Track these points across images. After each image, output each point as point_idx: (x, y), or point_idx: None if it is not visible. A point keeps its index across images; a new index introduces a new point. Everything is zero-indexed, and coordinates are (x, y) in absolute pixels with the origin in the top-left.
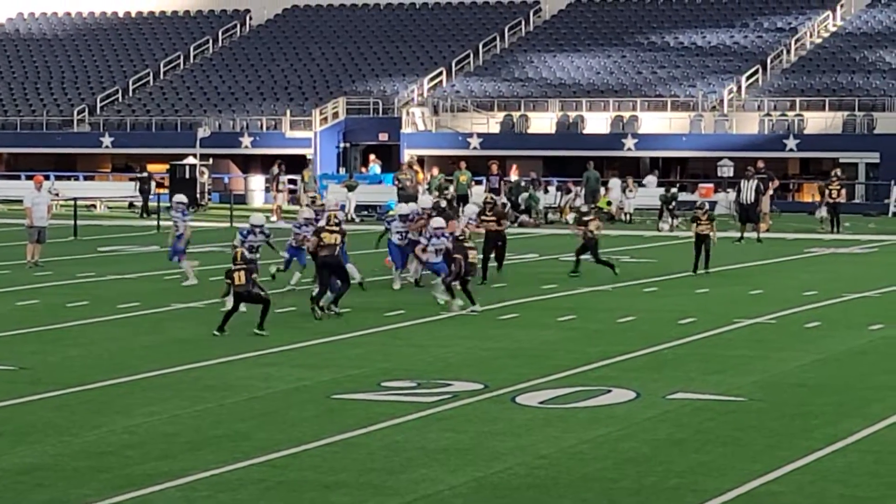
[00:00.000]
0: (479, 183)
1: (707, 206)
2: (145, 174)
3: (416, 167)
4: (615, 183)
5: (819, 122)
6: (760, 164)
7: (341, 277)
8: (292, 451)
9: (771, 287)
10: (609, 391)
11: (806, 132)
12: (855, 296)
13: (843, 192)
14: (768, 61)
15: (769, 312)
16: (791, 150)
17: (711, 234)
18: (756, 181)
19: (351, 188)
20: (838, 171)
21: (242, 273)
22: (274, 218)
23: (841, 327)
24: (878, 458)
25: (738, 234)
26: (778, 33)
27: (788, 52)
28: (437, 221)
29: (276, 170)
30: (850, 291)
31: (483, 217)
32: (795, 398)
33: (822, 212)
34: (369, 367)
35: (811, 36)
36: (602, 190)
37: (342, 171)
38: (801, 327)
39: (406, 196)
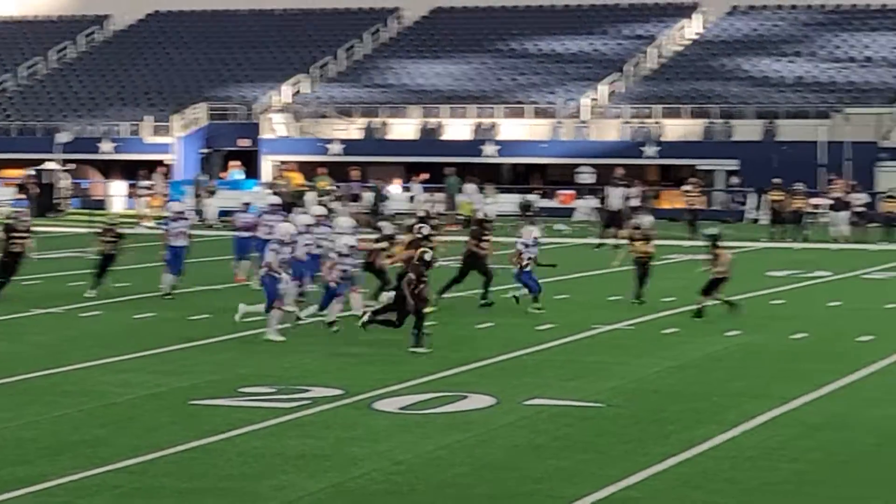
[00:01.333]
0: (339, 189)
1: (644, 224)
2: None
3: (292, 173)
4: (471, 188)
5: (678, 129)
6: (621, 171)
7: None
8: (150, 457)
9: (629, 293)
10: (467, 397)
11: (665, 139)
12: (712, 302)
13: (703, 198)
14: (627, 68)
15: (628, 319)
16: (650, 156)
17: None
18: (622, 188)
19: (210, 193)
20: (694, 178)
21: None
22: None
23: (698, 334)
24: (734, 463)
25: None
26: (637, 41)
27: (648, 59)
28: (305, 219)
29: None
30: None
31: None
32: (653, 404)
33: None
34: (228, 373)
35: (670, 43)
36: (465, 196)
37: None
38: (658, 333)
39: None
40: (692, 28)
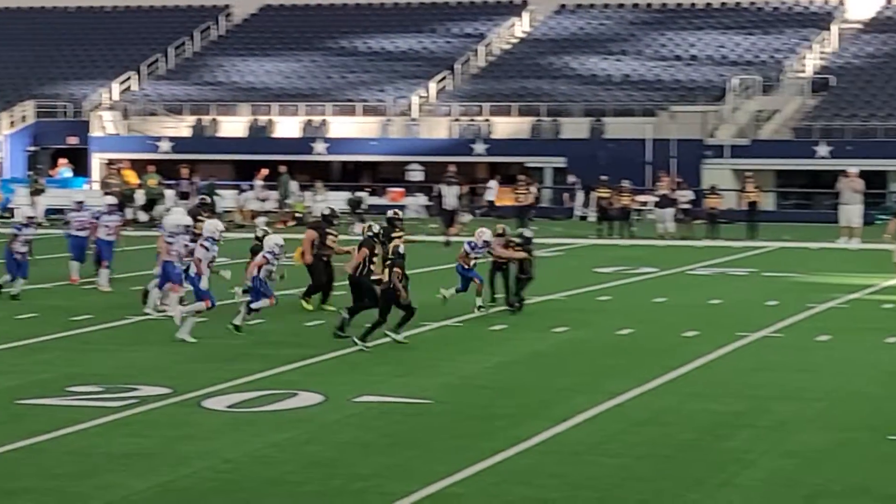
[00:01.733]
0: (170, 187)
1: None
2: None
3: (124, 171)
4: (294, 186)
5: (507, 126)
6: (452, 169)
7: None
8: None
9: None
10: (296, 395)
11: (494, 137)
12: (540, 298)
13: (531, 195)
14: (457, 66)
15: (457, 315)
16: (479, 154)
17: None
18: (456, 185)
19: (38, 192)
20: (522, 176)
21: None
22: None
23: (526, 330)
24: (561, 458)
25: (432, 237)
26: (467, 39)
27: (477, 57)
28: (182, 219)
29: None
30: (536, 294)
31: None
32: (481, 400)
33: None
34: (55, 372)
35: (499, 42)
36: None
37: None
38: (486, 330)
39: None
40: (521, 26)
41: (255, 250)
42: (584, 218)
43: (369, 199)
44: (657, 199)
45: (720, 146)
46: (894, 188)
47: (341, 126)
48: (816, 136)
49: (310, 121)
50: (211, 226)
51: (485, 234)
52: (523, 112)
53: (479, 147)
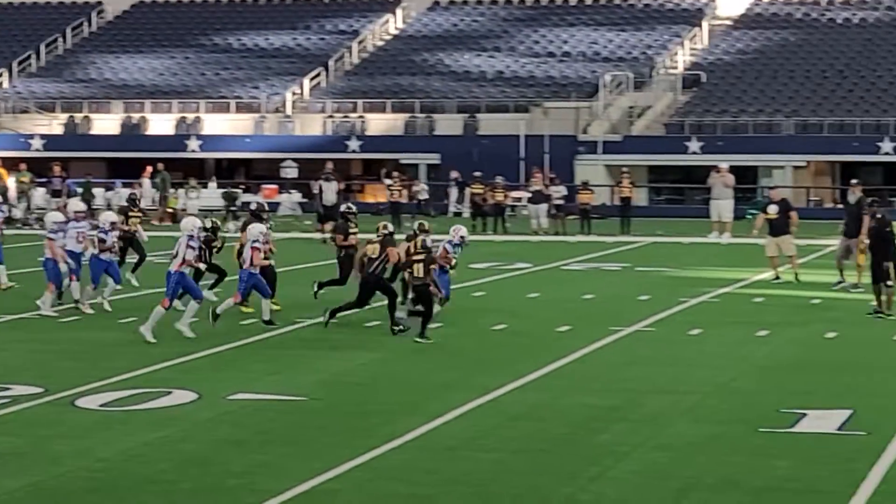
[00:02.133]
0: (42, 185)
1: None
2: None
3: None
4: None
5: (381, 123)
6: (329, 166)
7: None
8: None
9: (335, 288)
10: (170, 393)
11: (368, 133)
12: None
13: (405, 192)
14: (331, 63)
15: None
16: (354, 151)
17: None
18: (335, 182)
19: None
20: (396, 172)
21: None
22: None
23: None
24: (435, 454)
25: (307, 234)
26: (340, 36)
27: (351, 54)
28: (109, 216)
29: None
30: None
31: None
32: (355, 397)
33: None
34: None
35: (373, 38)
36: (173, 190)
37: None
38: (362, 327)
39: None
40: (395, 23)
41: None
42: (458, 214)
43: (243, 197)
44: (530, 194)
45: (593, 142)
46: (765, 183)
47: (215, 123)
48: (688, 131)
49: (183, 118)
50: (189, 223)
51: (460, 230)
52: (397, 109)
53: (354, 144)
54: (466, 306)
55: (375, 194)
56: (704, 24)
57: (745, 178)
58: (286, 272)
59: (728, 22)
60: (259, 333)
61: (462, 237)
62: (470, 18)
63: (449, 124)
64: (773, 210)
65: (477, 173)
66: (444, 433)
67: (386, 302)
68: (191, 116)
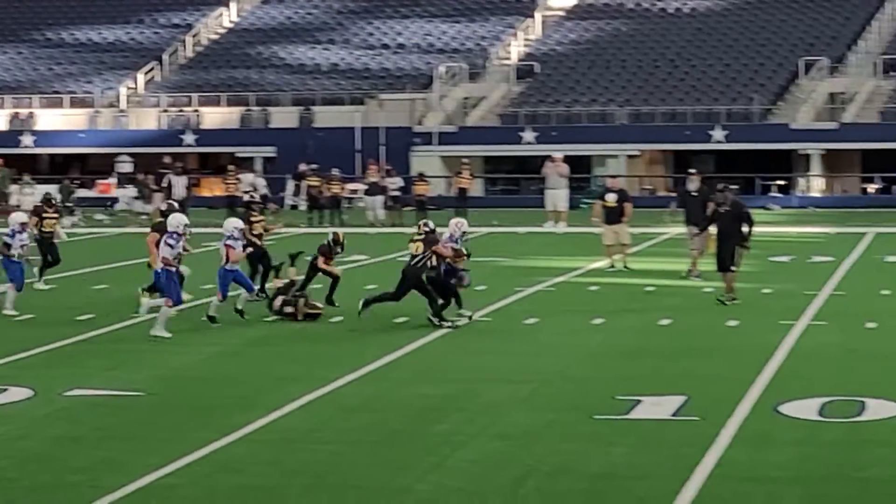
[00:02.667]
0: None
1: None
2: None
3: None
4: None
5: (216, 117)
6: (168, 160)
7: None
8: None
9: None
10: (6, 390)
11: (204, 127)
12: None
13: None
14: (165, 57)
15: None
16: (189, 144)
17: None
18: (186, 177)
19: None
20: (232, 166)
21: None
22: None
23: (239, 320)
24: (274, 446)
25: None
26: (174, 29)
27: (185, 48)
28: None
29: None
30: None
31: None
32: (195, 391)
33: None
34: None
35: (207, 32)
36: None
37: None
38: (199, 321)
39: None
40: (228, 16)
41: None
42: (294, 207)
43: (79, 192)
44: (367, 186)
45: (428, 133)
46: (599, 172)
47: (49, 118)
48: (522, 122)
49: (16, 114)
50: (174, 220)
51: (462, 224)
52: (232, 102)
53: (189, 138)
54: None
55: (212, 188)
56: (537, 15)
57: (580, 167)
58: (126, 267)
59: (561, 13)
60: (96, 328)
61: (464, 231)
62: (304, 11)
63: (284, 117)
64: (611, 199)
65: (313, 166)
66: (283, 426)
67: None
68: (24, 112)
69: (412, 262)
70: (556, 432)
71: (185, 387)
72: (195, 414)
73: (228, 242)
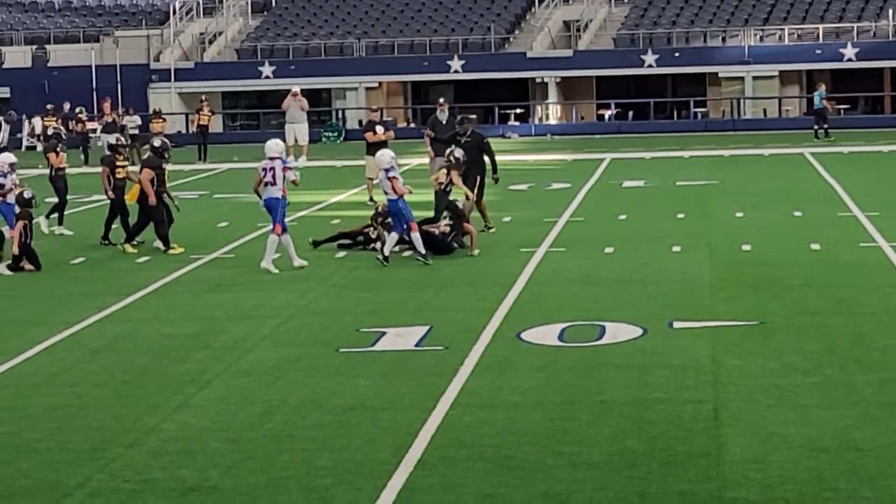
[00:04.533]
0: None
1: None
2: None
3: None
4: None
5: None
6: None
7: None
8: None
9: None
10: None
11: None
12: None
13: None
14: None
15: None
16: None
17: None
18: None
19: None
20: None
21: None
22: None
23: None
24: (18, 391)
25: None
26: None
27: None
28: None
29: None
30: None
31: None
32: None
33: None
34: None
35: None
36: None
37: None
38: None
39: None
40: None
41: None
42: (32, 148)
43: None
44: (104, 125)
45: (166, 70)
46: (339, 105)
47: None
48: (260, 56)
49: None
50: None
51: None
52: None
53: None
54: (50, 242)
55: None
56: None
57: (319, 101)
58: None
59: None
60: None
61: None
62: None
63: (17, 57)
64: (380, 130)
65: (49, 106)
66: (26, 370)
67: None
68: None
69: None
70: (303, 367)
71: None
72: None
73: (392, 175)
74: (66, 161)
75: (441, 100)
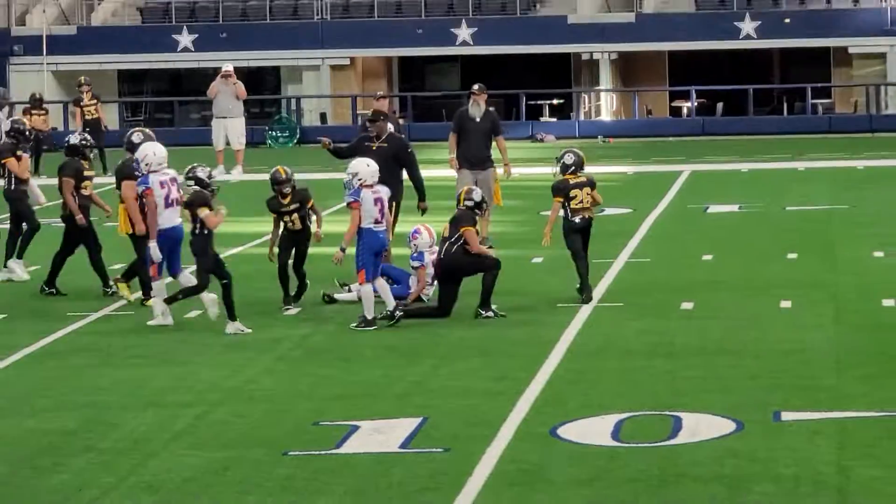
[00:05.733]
0: None
1: None
2: None
3: None
4: None
5: None
6: None
7: None
8: None
9: None
10: None
11: None
12: None
13: None
14: None
15: None
16: None
17: None
18: None
19: None
20: None
21: None
22: None
23: None
24: None
25: None
26: None
27: None
28: None
29: None
30: None
31: None
32: None
33: None
34: None
35: None
36: None
37: None
38: None
39: None
40: None
41: None
42: None
43: None
44: None
45: (35, 37)
46: (291, 92)
47: None
48: (176, 19)
49: None
50: None
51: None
52: None
53: None
54: None
55: None
56: None
57: (263, 85)
58: None
59: None
60: None
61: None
62: None
63: None
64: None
65: None
66: None
67: None
68: None
69: None
70: (233, 480)
71: None
72: None
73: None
74: None
75: (476, 87)
